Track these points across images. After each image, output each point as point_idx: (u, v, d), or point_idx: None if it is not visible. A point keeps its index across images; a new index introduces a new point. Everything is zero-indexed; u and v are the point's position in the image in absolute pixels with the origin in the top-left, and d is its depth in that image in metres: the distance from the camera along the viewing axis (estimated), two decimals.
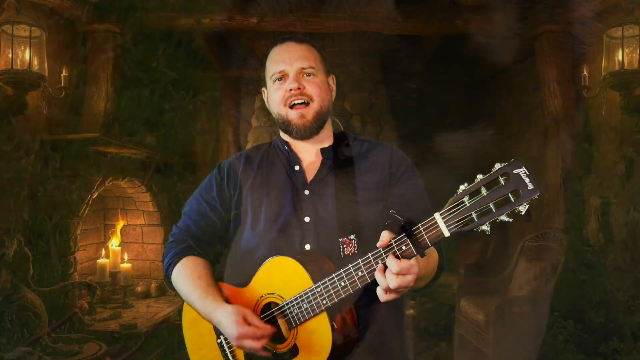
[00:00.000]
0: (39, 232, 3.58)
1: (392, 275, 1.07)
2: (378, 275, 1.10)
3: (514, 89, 5.50)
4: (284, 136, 1.45)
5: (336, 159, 1.39)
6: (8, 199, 3.36)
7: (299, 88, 1.34)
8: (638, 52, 3.23)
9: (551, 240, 4.17)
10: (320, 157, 1.40)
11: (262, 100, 5.11)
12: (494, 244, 5.32)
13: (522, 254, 4.44)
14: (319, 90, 1.36)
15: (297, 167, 1.40)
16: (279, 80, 1.37)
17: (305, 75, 1.36)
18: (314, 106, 1.35)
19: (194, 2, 4.29)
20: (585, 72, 3.62)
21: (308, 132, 1.36)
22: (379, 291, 1.11)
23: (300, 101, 1.34)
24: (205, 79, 6.18)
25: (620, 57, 3.27)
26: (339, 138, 1.44)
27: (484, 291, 4.40)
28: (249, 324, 1.21)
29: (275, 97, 1.38)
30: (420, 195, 1.39)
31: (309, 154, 1.41)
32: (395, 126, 5.27)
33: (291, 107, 1.35)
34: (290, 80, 1.35)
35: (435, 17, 4.32)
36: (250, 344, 1.20)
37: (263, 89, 1.46)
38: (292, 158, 1.41)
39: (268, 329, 1.21)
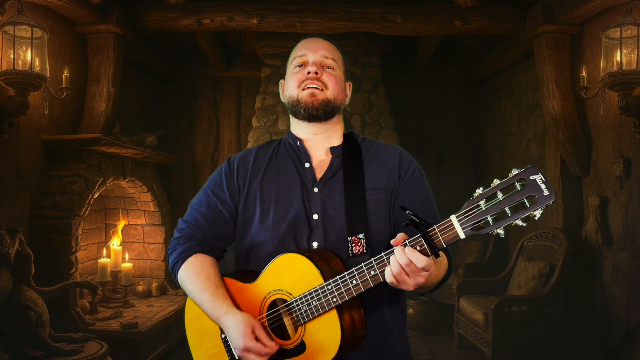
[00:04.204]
0: (40, 231, 3.60)
1: (401, 263, 1.10)
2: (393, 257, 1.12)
3: (513, 89, 5.51)
4: (295, 129, 1.46)
5: (345, 157, 1.40)
6: (10, 198, 3.37)
7: (316, 73, 1.38)
8: (636, 52, 3.24)
9: (550, 240, 4.19)
10: (330, 156, 1.41)
11: (262, 101, 5.08)
12: (493, 243, 5.34)
13: (521, 253, 4.46)
14: (335, 82, 1.40)
15: (307, 165, 1.40)
16: (299, 67, 1.41)
17: (325, 68, 1.40)
18: (327, 93, 1.38)
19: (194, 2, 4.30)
20: (584, 73, 3.63)
21: (314, 112, 1.38)
22: (388, 271, 1.13)
23: (314, 86, 1.38)
24: (206, 79, 6.21)
25: (618, 58, 3.28)
26: (348, 138, 1.46)
27: (484, 290, 4.42)
28: (256, 339, 1.22)
29: (291, 81, 1.41)
30: (427, 198, 1.40)
31: (319, 152, 1.42)
32: (395, 126, 5.29)
33: (304, 88, 1.38)
34: (310, 65, 1.39)
35: (434, 17, 4.33)
36: (254, 358, 1.22)
37: (281, 80, 1.49)
38: (303, 155, 1.42)
39: (273, 346, 1.22)
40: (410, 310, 4.72)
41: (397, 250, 1.11)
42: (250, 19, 4.35)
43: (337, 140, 1.44)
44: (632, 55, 3.25)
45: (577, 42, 4.08)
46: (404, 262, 1.10)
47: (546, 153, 4.62)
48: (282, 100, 1.47)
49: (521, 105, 5.31)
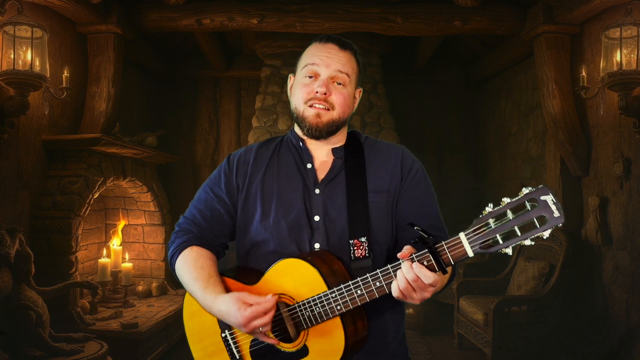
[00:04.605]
0: (40, 231, 3.60)
1: (411, 281, 1.09)
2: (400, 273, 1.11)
3: (513, 89, 5.52)
4: (300, 132, 1.44)
5: (347, 159, 1.39)
6: (10, 198, 3.38)
7: (325, 94, 1.33)
8: (636, 52, 3.24)
9: (550, 240, 4.19)
10: (332, 157, 1.40)
11: (262, 101, 5.08)
12: None
13: (521, 253, 4.46)
14: (343, 101, 1.35)
15: (309, 165, 1.39)
16: (309, 78, 1.36)
17: (336, 83, 1.35)
18: (333, 114, 1.35)
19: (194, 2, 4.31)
20: (584, 73, 3.63)
21: (317, 133, 1.35)
22: (394, 285, 1.12)
23: (321, 106, 1.34)
24: (206, 79, 6.21)
25: (618, 58, 3.28)
26: (351, 138, 1.44)
27: (484, 290, 4.42)
28: (250, 304, 1.20)
29: (299, 92, 1.37)
30: (430, 199, 1.39)
31: (322, 153, 1.41)
32: (395, 126, 5.30)
33: (310, 106, 1.35)
34: (320, 83, 1.33)
35: (434, 17, 4.34)
36: (260, 322, 1.19)
37: (290, 75, 1.45)
38: (305, 155, 1.41)
39: (269, 300, 1.19)
40: (410, 310, 4.72)
41: (405, 265, 1.10)
42: (250, 19, 4.35)
43: (340, 141, 1.43)
44: (632, 55, 3.25)
45: (577, 42, 4.08)
46: (411, 277, 1.09)
47: (546, 153, 4.62)
48: (289, 97, 1.44)
49: (521, 105, 5.31)
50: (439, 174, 6.23)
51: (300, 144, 1.42)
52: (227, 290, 1.31)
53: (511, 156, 5.48)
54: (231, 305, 1.21)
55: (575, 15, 3.83)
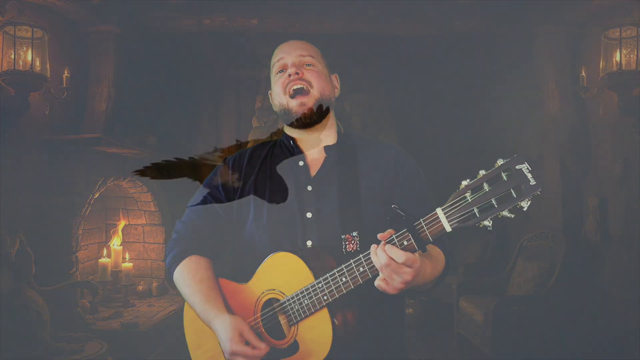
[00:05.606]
0: (40, 231, 3.60)
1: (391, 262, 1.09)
2: (374, 258, 1.11)
3: (512, 89, 5.51)
4: (289, 131, 1.47)
5: (340, 156, 1.40)
6: (10, 198, 3.38)
7: (297, 73, 1.38)
8: (636, 53, 3.24)
9: (549, 240, 4.19)
10: (324, 154, 1.42)
11: (262, 101, 5.10)
12: (492, 243, 5.34)
13: (520, 253, 4.46)
14: (318, 77, 1.40)
15: (301, 163, 1.41)
16: (280, 72, 1.43)
17: (305, 65, 1.41)
18: (314, 93, 1.38)
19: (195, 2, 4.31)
20: (584, 73, 3.63)
21: (309, 120, 1.38)
22: (378, 281, 1.13)
23: (299, 86, 1.38)
24: (206, 79, 6.22)
25: (618, 58, 3.29)
26: (343, 137, 1.46)
27: (483, 290, 4.42)
28: (244, 341, 1.22)
29: (277, 88, 1.43)
30: (424, 196, 1.39)
31: (313, 150, 1.43)
32: (395, 126, 5.30)
33: (292, 97, 1.38)
34: (290, 67, 1.41)
35: (434, 17, 4.34)
36: None
37: (269, 91, 1.50)
38: (296, 153, 1.43)
39: (262, 348, 1.22)
40: (410, 310, 4.72)
41: (373, 249, 1.12)
42: (250, 19, 4.35)
43: (331, 138, 1.44)
44: (632, 56, 3.25)
45: (577, 42, 4.08)
46: (384, 261, 1.10)
47: (546, 153, 4.62)
48: (274, 110, 1.48)
49: (521, 105, 5.31)
50: (439, 174, 6.23)
51: (291, 142, 1.44)
52: (221, 291, 1.34)
53: (511, 156, 5.48)
54: (227, 331, 1.24)
55: (575, 16, 3.83)
